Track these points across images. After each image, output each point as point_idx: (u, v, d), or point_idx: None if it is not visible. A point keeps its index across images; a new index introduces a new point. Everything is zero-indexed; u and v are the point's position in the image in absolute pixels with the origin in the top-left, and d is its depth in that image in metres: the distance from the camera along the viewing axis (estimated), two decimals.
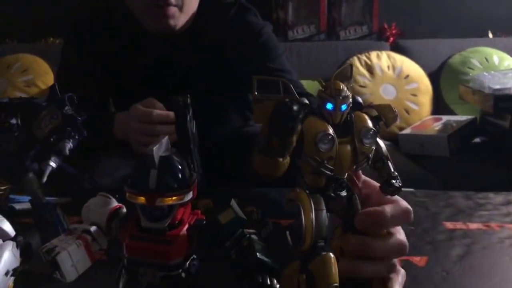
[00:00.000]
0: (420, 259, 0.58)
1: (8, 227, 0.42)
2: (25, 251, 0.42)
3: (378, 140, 0.43)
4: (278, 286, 0.33)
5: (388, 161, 0.43)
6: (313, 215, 0.37)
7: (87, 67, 1.01)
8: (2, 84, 1.84)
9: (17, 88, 1.83)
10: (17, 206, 0.62)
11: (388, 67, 1.93)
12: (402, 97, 1.89)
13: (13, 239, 0.38)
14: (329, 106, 0.37)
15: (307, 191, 0.39)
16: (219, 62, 1.01)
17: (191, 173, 0.36)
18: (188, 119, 0.63)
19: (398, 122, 1.88)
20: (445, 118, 1.77)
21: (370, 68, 1.93)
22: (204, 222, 0.36)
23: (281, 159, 0.35)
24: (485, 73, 1.62)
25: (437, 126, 1.70)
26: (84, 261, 0.34)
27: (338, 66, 2.02)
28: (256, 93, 0.38)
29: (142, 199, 0.33)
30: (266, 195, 0.79)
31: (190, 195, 0.35)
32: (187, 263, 0.36)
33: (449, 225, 0.69)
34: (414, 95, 1.90)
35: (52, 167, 0.52)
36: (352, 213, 0.42)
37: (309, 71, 1.96)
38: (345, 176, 0.40)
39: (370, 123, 0.39)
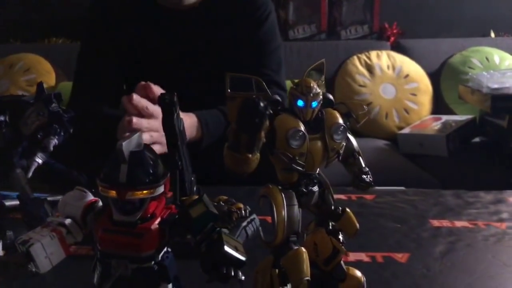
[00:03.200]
0: (402, 256, 0.59)
1: None
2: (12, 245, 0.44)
3: (350, 136, 0.43)
4: (243, 277, 0.34)
5: (360, 157, 0.43)
6: (285, 211, 0.38)
7: (107, 49, 1.03)
8: (4, 83, 1.87)
9: (19, 87, 1.86)
10: (7, 202, 0.63)
11: (388, 66, 1.93)
12: (402, 96, 1.88)
13: None
14: (300, 103, 0.38)
15: (280, 187, 0.40)
16: (225, 39, 1.02)
17: (164, 169, 0.37)
18: (175, 116, 0.64)
19: (397, 122, 1.88)
20: (444, 117, 1.76)
21: (369, 68, 1.92)
22: (176, 216, 0.37)
23: (250, 155, 0.35)
24: (484, 72, 1.61)
25: (436, 125, 1.70)
26: (58, 253, 0.35)
27: (338, 65, 2.02)
28: (229, 90, 0.38)
29: (113, 193, 0.34)
30: (257, 192, 0.80)
31: (161, 189, 0.35)
32: (160, 255, 0.37)
33: (435, 222, 0.70)
34: (414, 94, 1.89)
35: (38, 163, 0.53)
36: (325, 208, 0.43)
37: None
38: (317, 172, 0.41)
39: (340, 120, 0.40)
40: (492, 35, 2.21)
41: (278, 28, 1.12)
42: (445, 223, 0.69)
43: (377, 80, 1.90)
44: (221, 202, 0.49)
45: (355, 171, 0.44)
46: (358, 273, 0.49)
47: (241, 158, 0.35)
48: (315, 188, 0.41)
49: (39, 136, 0.54)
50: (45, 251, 0.34)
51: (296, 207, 0.39)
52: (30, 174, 0.51)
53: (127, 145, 0.34)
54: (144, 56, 1.03)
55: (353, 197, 0.81)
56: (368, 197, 0.81)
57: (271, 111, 0.35)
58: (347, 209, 0.45)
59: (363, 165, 0.44)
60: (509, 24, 2.22)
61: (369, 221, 0.70)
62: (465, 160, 1.55)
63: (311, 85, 0.38)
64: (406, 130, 1.75)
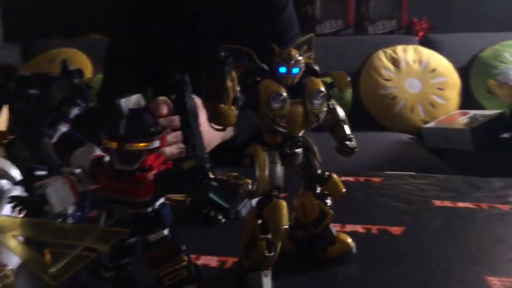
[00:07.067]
0: (397, 229, 0.61)
1: (16, 172, 0.50)
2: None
3: (337, 106, 0.47)
4: (223, 220, 0.38)
5: (345, 125, 0.47)
6: (266, 167, 0.42)
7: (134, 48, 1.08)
8: None
9: None
10: (37, 172, 0.71)
11: (414, 61, 1.91)
12: (428, 91, 1.86)
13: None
14: (282, 69, 0.42)
15: (265, 147, 0.44)
16: (244, 27, 1.01)
17: (162, 127, 0.42)
18: (186, 94, 0.69)
19: (423, 116, 1.85)
20: (472, 112, 1.73)
21: (395, 62, 1.91)
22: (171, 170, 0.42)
23: (222, 105, 0.39)
24: None
25: (463, 120, 1.67)
26: (68, 197, 0.41)
27: (364, 60, 2.02)
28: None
29: (114, 144, 0.39)
30: None
31: (156, 144, 0.40)
32: (157, 204, 0.42)
33: (437, 203, 0.71)
34: (441, 89, 1.87)
35: (61, 131, 0.59)
36: (310, 171, 0.47)
37: (336, 66, 1.96)
38: (300, 135, 0.44)
39: (321, 87, 0.43)
40: None
41: (306, 23, 1.14)
42: (447, 203, 0.70)
43: (402, 74, 1.89)
44: (230, 178, 0.53)
45: (340, 138, 0.47)
46: (348, 239, 0.52)
47: (214, 107, 0.39)
48: (299, 150, 0.44)
49: (63, 107, 0.60)
50: (58, 194, 0.40)
51: (278, 165, 0.42)
52: (54, 139, 0.58)
53: (126, 103, 0.39)
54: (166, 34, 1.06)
55: (361, 179, 0.84)
56: (376, 179, 0.83)
57: (230, 61, 0.38)
58: (334, 175, 0.49)
59: (348, 132, 0.47)
60: None
61: (371, 199, 0.72)
62: (491, 155, 1.52)
63: (292, 53, 0.42)
64: (431, 124, 1.73)
